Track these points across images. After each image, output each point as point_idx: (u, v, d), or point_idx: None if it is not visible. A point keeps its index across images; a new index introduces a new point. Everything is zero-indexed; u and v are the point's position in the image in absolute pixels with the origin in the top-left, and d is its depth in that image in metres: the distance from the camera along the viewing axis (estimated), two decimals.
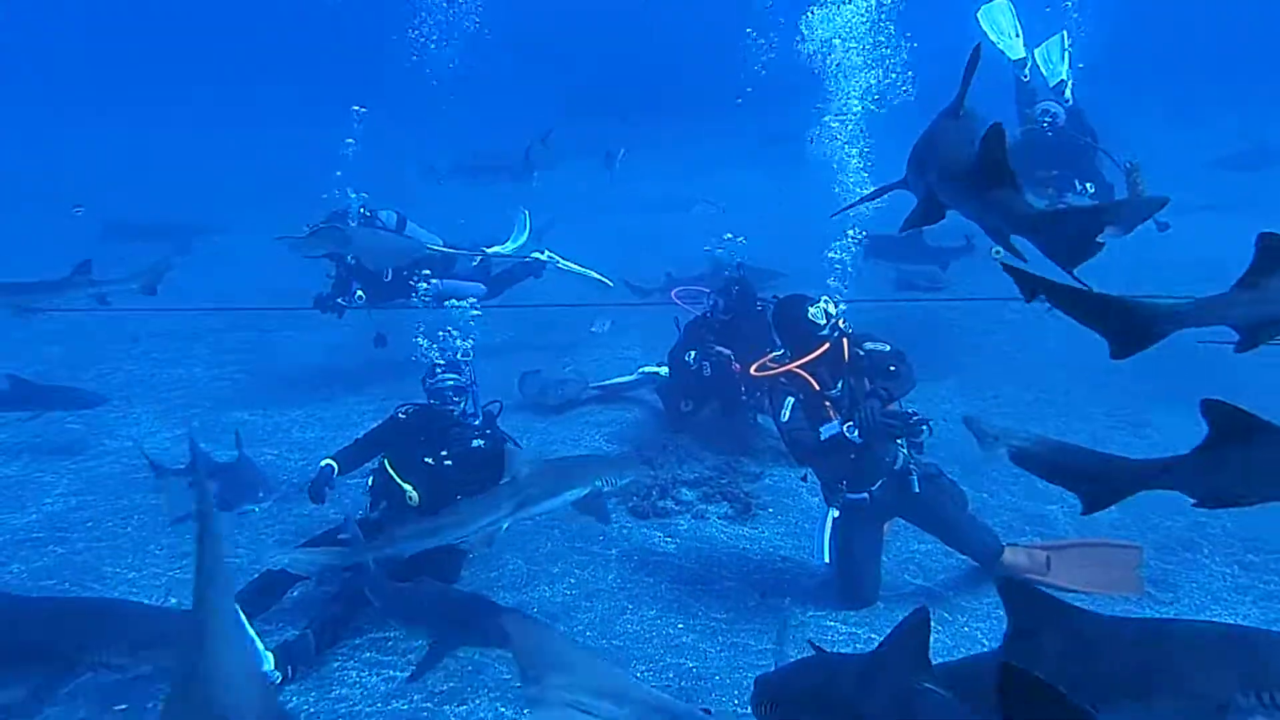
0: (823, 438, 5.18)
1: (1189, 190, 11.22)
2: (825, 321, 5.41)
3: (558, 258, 10.21)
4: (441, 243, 9.51)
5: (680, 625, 5.22)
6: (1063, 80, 8.96)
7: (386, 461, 5.70)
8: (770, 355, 5.63)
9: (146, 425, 8.34)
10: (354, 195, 8.82)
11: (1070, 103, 8.87)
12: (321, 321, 9.98)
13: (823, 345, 5.36)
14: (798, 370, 5.34)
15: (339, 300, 8.99)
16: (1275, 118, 18.51)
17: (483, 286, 9.69)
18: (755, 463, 7.21)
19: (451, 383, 5.86)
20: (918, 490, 5.34)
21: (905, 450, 5.35)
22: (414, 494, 5.55)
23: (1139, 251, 7.26)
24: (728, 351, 7.51)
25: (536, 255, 10.10)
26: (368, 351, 10.14)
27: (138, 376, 9.61)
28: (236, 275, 12.75)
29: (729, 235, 9.21)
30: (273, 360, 10.17)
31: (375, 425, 6.08)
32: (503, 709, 4.58)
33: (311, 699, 4.66)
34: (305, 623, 5.10)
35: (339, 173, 8.87)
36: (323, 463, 5.89)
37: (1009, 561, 5.49)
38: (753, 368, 5.66)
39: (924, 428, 5.21)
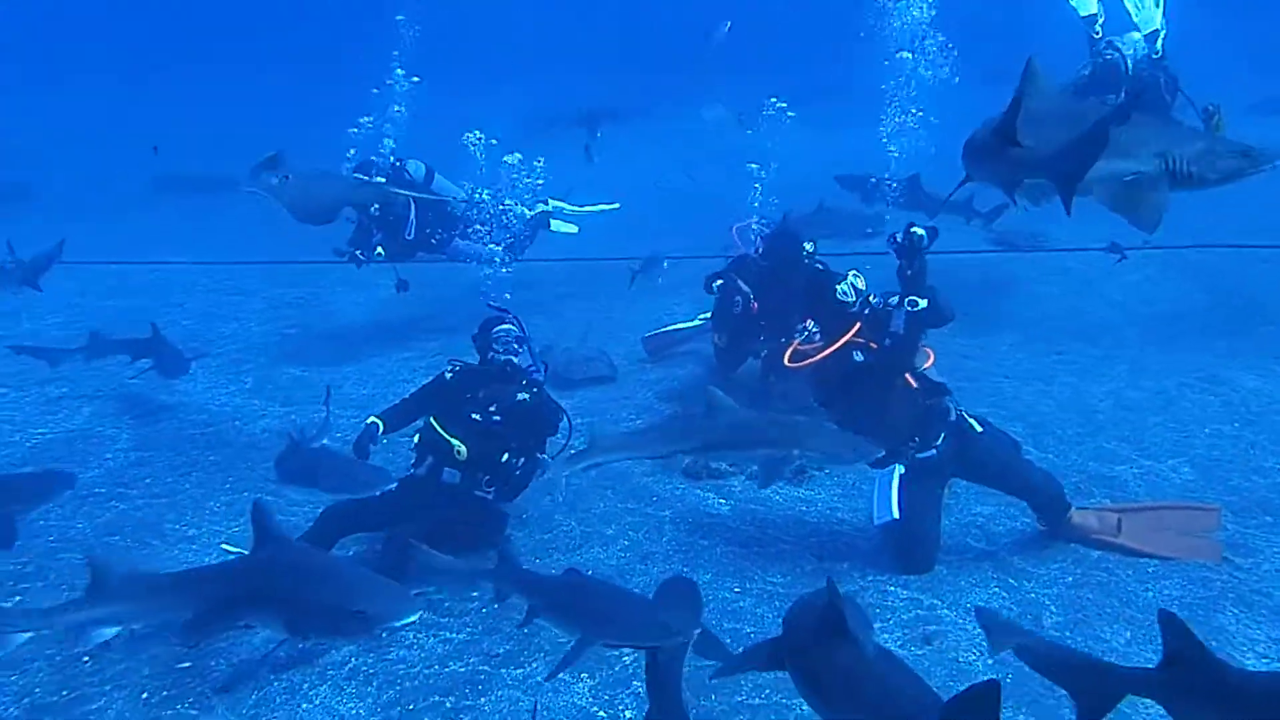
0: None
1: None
2: (855, 298, 5.26)
3: (563, 204, 10.10)
4: (466, 200, 9.42)
5: (736, 589, 5.15)
6: (1156, 30, 8.51)
7: (433, 419, 5.67)
8: (798, 341, 5.50)
9: (203, 381, 8.41)
10: (388, 141, 8.83)
11: (1160, 54, 8.46)
12: (372, 278, 10.02)
13: (854, 325, 5.22)
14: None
15: (358, 252, 8.93)
16: None
17: (499, 251, 9.55)
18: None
19: (513, 332, 5.80)
20: (980, 430, 5.25)
21: (955, 404, 5.29)
22: (462, 448, 5.52)
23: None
24: (747, 289, 7.33)
25: (542, 207, 9.98)
26: (419, 308, 10.18)
27: (192, 331, 9.69)
28: (283, 230, 12.72)
29: (758, 184, 9.00)
30: (325, 317, 10.21)
31: (423, 384, 6.07)
32: (561, 674, 4.55)
33: (369, 660, 4.67)
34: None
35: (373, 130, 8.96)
36: (368, 420, 5.89)
37: (1077, 522, 5.34)
38: (786, 357, 5.52)
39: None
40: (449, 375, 5.84)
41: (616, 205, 10.36)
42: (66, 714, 4.30)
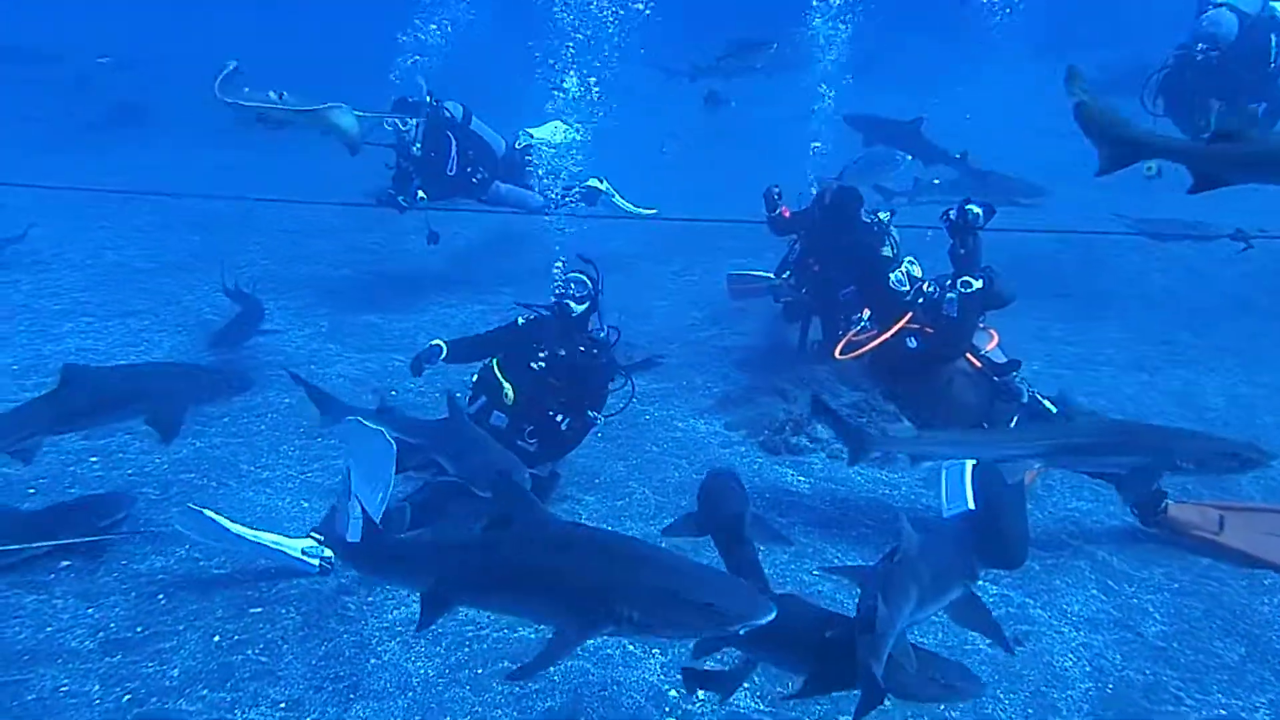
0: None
1: None
2: (909, 286, 5.00)
3: (614, 192, 9.82)
4: (505, 144, 9.26)
5: (815, 572, 4.95)
6: None
7: (495, 361, 5.67)
8: (853, 332, 5.29)
9: (279, 322, 8.41)
10: (421, 82, 8.66)
11: (1276, 13, 7.92)
12: (446, 224, 9.89)
13: (908, 313, 4.97)
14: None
15: (400, 199, 8.75)
16: None
17: (541, 198, 9.40)
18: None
19: (581, 281, 5.70)
20: (1056, 410, 4.99)
21: (1027, 386, 5.04)
22: (510, 393, 5.50)
23: None
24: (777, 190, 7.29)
25: (595, 183, 9.71)
26: (494, 257, 10.08)
27: (270, 271, 9.72)
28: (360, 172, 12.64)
29: (816, 144, 8.69)
30: (401, 263, 10.15)
31: (495, 326, 6.09)
32: (630, 646, 4.43)
33: (437, 620, 4.59)
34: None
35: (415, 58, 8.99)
36: (433, 341, 5.93)
37: (1175, 515, 5.04)
38: (837, 350, 5.29)
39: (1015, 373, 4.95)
40: (521, 321, 5.80)
41: (654, 210, 9.98)
42: (140, 650, 4.30)
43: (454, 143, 8.77)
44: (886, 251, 7.04)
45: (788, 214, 7.36)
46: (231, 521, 4.76)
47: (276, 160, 13.37)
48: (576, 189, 9.51)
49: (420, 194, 8.73)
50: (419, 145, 8.61)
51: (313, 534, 4.96)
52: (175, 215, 11.20)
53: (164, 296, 8.86)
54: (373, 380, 7.28)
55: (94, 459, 5.90)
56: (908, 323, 5.05)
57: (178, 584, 4.79)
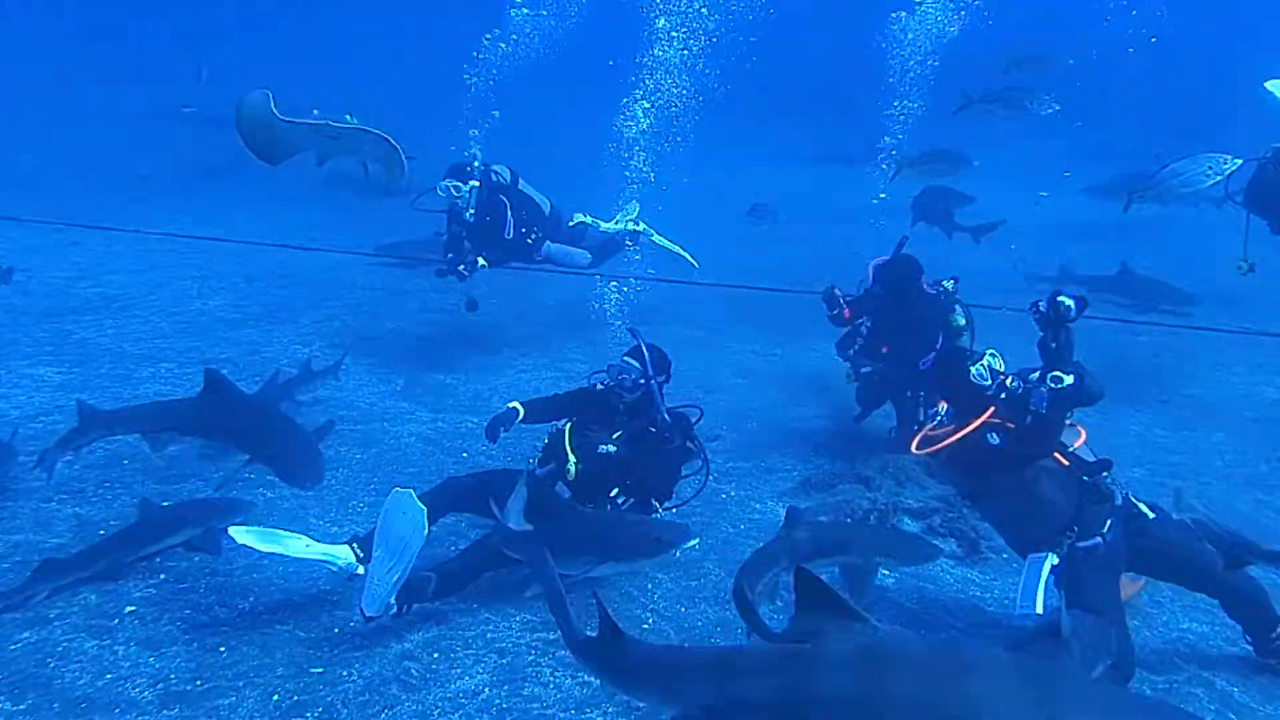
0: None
1: None
2: (991, 380, 4.76)
3: (653, 231, 9.79)
4: (550, 204, 9.24)
5: None
6: None
7: (569, 427, 5.53)
8: (929, 427, 5.07)
9: (355, 378, 8.43)
10: (476, 150, 8.71)
11: None
12: (532, 288, 9.92)
13: (989, 408, 4.72)
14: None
15: (461, 267, 8.66)
16: None
17: (589, 255, 9.46)
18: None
19: (633, 369, 5.60)
20: (1153, 515, 4.68)
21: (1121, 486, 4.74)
22: (573, 467, 5.37)
23: None
24: (838, 292, 7.07)
25: (633, 226, 9.70)
26: (570, 322, 10.04)
27: (350, 326, 9.81)
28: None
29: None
30: (477, 324, 10.15)
31: (572, 389, 5.99)
32: None
33: (503, 694, 4.38)
34: (436, 563, 5.04)
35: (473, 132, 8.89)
36: (510, 404, 5.84)
37: None
38: (913, 444, 5.06)
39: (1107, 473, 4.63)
40: (599, 387, 5.65)
41: (696, 265, 9.85)
42: (199, 705, 4.16)
43: (508, 206, 8.76)
44: (959, 320, 6.95)
45: (849, 315, 7.12)
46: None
47: (357, 219, 13.65)
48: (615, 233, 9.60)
49: (481, 261, 8.69)
50: (473, 211, 8.60)
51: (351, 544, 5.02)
52: (260, 268, 11.42)
53: (246, 346, 8.97)
54: (444, 440, 7.20)
55: (165, 502, 5.86)
56: (989, 418, 4.80)
57: (240, 637, 4.66)
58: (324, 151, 7.37)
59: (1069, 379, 4.58)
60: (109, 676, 4.31)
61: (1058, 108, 10.17)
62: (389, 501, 4.78)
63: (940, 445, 4.77)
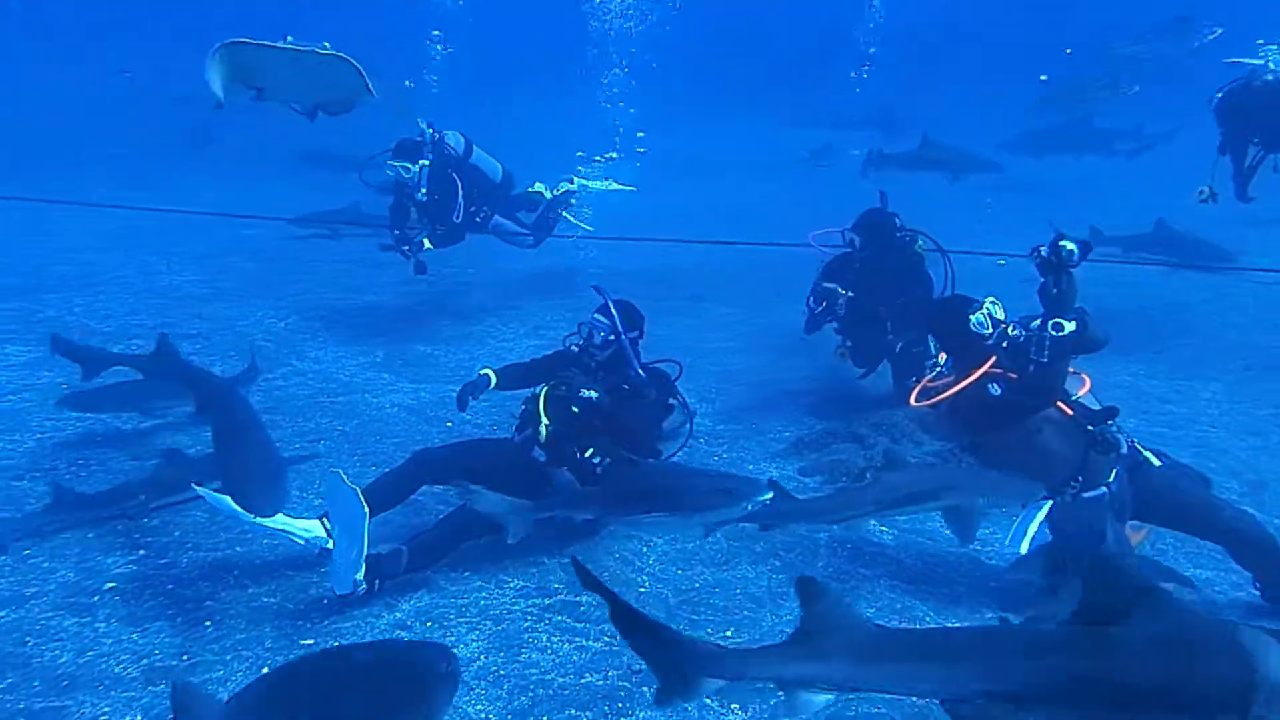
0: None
1: None
2: (991, 329, 4.67)
3: (586, 182, 9.83)
4: (502, 170, 9.14)
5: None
6: None
7: (545, 390, 5.35)
8: (928, 378, 4.95)
9: (333, 350, 8.25)
10: (422, 124, 8.51)
11: None
12: (510, 256, 9.80)
13: (990, 357, 4.63)
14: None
15: (405, 248, 8.50)
16: None
17: (531, 237, 9.48)
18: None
19: (603, 324, 5.48)
20: (1159, 464, 4.65)
21: (1126, 435, 4.66)
22: (544, 429, 5.22)
23: None
24: (831, 285, 6.87)
25: (567, 185, 9.71)
26: (551, 289, 9.91)
27: (326, 300, 9.60)
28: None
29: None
30: (456, 294, 10.01)
31: (547, 352, 5.85)
32: (707, 699, 4.07)
33: (500, 660, 4.28)
34: (408, 535, 4.92)
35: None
36: (481, 370, 5.74)
37: None
38: (912, 396, 4.97)
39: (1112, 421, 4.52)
40: (574, 349, 5.53)
41: (635, 189, 10.10)
42: (184, 679, 4.01)
43: (459, 186, 8.56)
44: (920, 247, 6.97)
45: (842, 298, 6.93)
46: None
47: (332, 197, 13.36)
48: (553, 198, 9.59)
49: (426, 244, 8.48)
50: (424, 190, 8.38)
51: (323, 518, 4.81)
52: (231, 243, 11.18)
53: (219, 321, 8.74)
54: (427, 410, 7.05)
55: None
56: (990, 368, 4.70)
57: (226, 611, 4.51)
58: (285, 84, 6.79)
59: (1070, 326, 4.48)
60: (91, 654, 4.16)
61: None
62: (327, 486, 4.74)
63: (940, 397, 4.68)
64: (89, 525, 5.16)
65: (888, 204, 7.14)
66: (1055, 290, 4.66)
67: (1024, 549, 4.66)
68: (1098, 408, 4.69)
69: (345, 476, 4.62)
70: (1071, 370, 4.81)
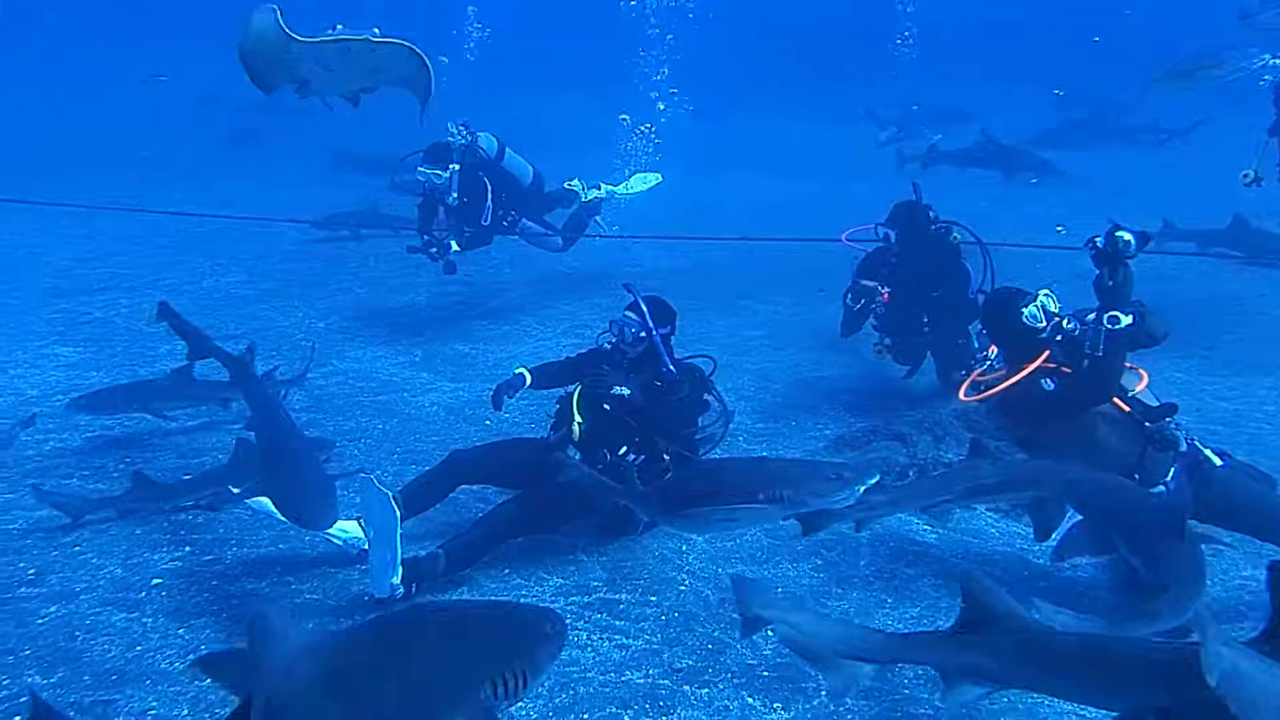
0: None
1: None
2: (1045, 323, 4.56)
3: (614, 188, 9.80)
4: (533, 172, 9.12)
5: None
6: None
7: (580, 389, 5.33)
8: (978, 372, 4.85)
9: (372, 349, 8.31)
10: (452, 127, 8.47)
11: None
12: (547, 255, 9.83)
13: (1043, 352, 4.52)
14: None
15: (432, 250, 8.51)
16: None
17: (559, 241, 9.43)
18: None
19: (633, 322, 5.39)
20: (1220, 463, 4.53)
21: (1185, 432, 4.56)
22: (577, 427, 5.19)
23: None
24: (872, 283, 6.77)
25: (595, 191, 9.65)
26: (590, 288, 9.91)
27: (364, 299, 9.68)
28: None
29: None
30: (495, 293, 10.03)
31: (580, 352, 5.81)
32: (749, 698, 4.04)
33: None
34: (444, 538, 4.90)
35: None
36: (517, 369, 5.72)
37: None
38: (961, 390, 4.87)
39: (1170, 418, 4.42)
40: (607, 346, 5.48)
41: (660, 177, 10.10)
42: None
43: (489, 190, 8.56)
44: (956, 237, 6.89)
45: (887, 295, 6.81)
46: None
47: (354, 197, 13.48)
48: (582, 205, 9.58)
49: (454, 245, 8.50)
50: (455, 195, 8.38)
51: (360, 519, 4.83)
52: (270, 245, 11.30)
53: (261, 321, 8.85)
54: (466, 409, 7.07)
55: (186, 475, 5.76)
56: (1043, 363, 4.61)
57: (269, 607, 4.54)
58: (333, 76, 6.59)
59: (1127, 319, 4.39)
60: (139, 648, 4.21)
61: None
62: (360, 490, 4.75)
63: (990, 392, 4.60)
64: (167, 514, 5.32)
65: (921, 196, 7.05)
66: (1111, 282, 4.56)
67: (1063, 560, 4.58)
68: (1155, 404, 4.58)
69: (376, 481, 4.67)
70: (1128, 365, 4.71)
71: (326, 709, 2.53)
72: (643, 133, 11.65)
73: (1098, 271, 4.63)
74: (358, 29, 6.39)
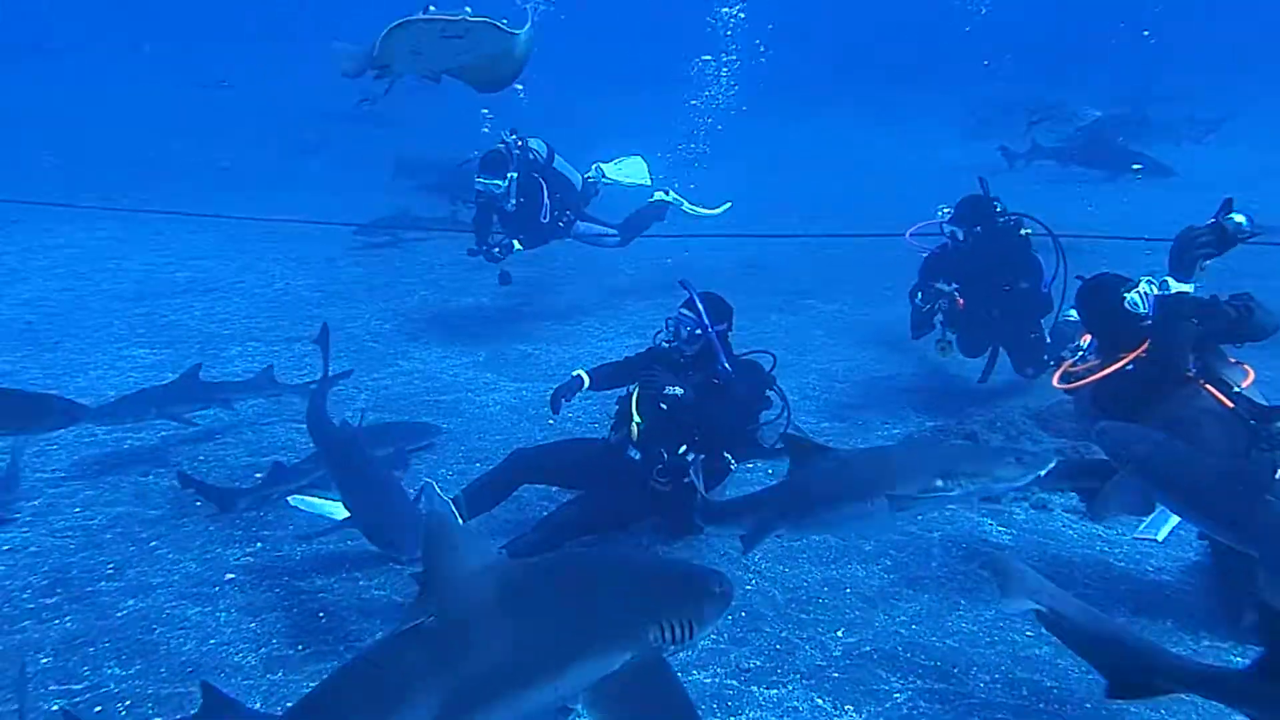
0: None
1: None
2: (1147, 309, 4.36)
3: (683, 200, 9.65)
4: (581, 177, 9.07)
5: (1029, 633, 4.35)
6: None
7: (637, 390, 5.27)
8: (1070, 361, 4.65)
9: (436, 350, 8.39)
10: (506, 134, 8.47)
11: None
12: (607, 256, 9.83)
13: (1143, 341, 4.33)
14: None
15: (495, 249, 8.51)
16: None
17: (617, 235, 9.35)
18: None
19: (689, 320, 5.29)
20: None
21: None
22: (635, 427, 5.16)
23: None
24: (949, 288, 6.57)
25: (661, 196, 9.55)
26: (651, 289, 9.89)
27: (429, 301, 9.78)
28: None
29: None
30: (557, 294, 10.07)
31: (638, 352, 5.73)
32: (819, 699, 3.96)
33: None
34: (509, 537, 4.94)
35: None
36: (575, 372, 5.66)
37: None
38: (1055, 378, 4.68)
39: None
40: (664, 345, 5.40)
41: (728, 204, 9.94)
42: (301, 669, 4.10)
43: (545, 189, 8.53)
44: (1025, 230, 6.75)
45: (962, 302, 6.66)
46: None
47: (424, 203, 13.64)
48: (648, 204, 9.54)
49: (516, 244, 8.51)
50: (513, 201, 8.38)
51: None
52: (339, 249, 11.51)
53: (330, 323, 8.95)
54: (529, 409, 7.09)
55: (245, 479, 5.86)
56: (1144, 352, 4.41)
57: (338, 604, 4.60)
58: (420, 58, 6.44)
59: (1186, 287, 4.20)
60: (212, 642, 4.29)
61: None
62: (423, 496, 4.83)
63: (1083, 381, 4.43)
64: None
65: (989, 190, 6.86)
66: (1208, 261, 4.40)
67: (1161, 538, 4.40)
68: (1264, 403, 4.37)
69: (437, 486, 4.72)
70: (1233, 360, 4.52)
71: (504, 628, 2.66)
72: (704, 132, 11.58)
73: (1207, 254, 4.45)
74: (450, 7, 6.35)
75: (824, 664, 4.18)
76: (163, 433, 6.51)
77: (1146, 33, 17.44)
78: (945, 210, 6.73)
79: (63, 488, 5.72)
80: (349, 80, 7.11)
